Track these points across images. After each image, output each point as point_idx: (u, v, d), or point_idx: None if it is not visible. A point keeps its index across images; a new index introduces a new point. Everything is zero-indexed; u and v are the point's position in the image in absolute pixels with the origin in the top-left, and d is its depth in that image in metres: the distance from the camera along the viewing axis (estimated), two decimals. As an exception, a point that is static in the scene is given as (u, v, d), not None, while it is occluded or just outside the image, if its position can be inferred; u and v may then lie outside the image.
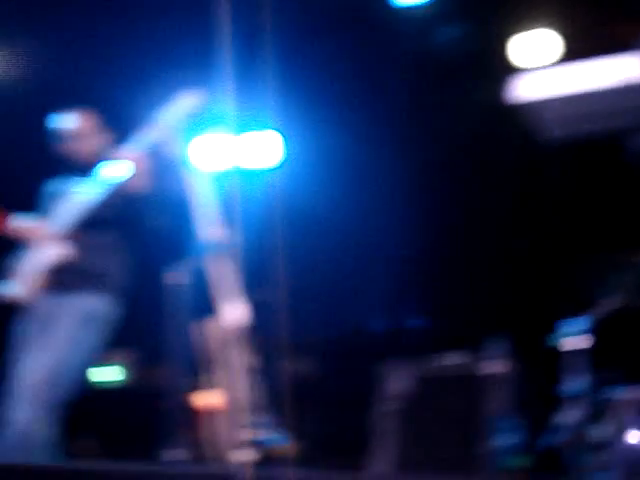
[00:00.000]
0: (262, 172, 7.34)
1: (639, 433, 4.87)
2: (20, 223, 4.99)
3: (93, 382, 7.24)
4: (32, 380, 4.74)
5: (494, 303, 6.79)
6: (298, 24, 6.64)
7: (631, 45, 4.21)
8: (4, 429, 4.79)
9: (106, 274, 4.98)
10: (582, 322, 5.40)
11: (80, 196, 4.96)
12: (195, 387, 5.71)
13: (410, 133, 7.14)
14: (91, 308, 4.90)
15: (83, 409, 5.52)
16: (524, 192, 6.90)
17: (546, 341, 5.60)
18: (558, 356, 5.46)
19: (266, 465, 4.60)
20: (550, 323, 5.69)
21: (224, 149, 7.15)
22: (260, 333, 5.67)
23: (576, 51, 5.93)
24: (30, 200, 5.23)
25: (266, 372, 5.33)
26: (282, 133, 7.32)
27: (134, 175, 4.86)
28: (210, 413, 4.61)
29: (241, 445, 4.48)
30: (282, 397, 4.91)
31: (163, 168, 5.14)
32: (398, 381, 5.73)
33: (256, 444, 4.58)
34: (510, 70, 5.70)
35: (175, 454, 4.87)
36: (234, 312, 4.89)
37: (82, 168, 5.07)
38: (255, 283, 6.28)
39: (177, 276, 5.03)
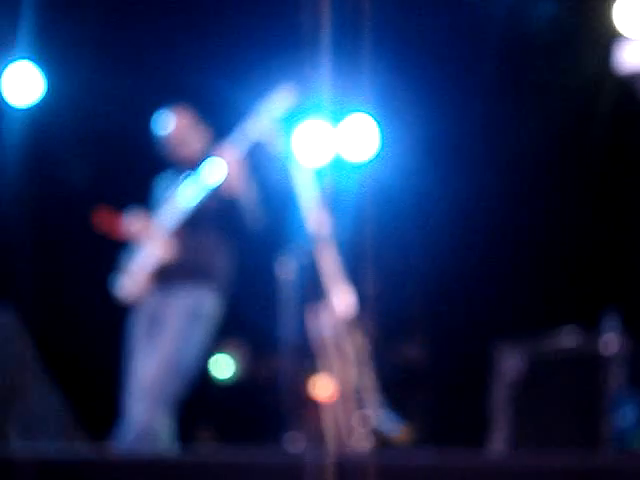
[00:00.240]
0: (361, 164, 7.31)
1: None
2: (131, 224, 5.07)
3: (207, 375, 7.31)
4: (147, 377, 4.81)
5: (606, 277, 6.66)
6: (392, 9, 6.58)
7: None
8: (123, 426, 4.87)
9: (211, 269, 5.02)
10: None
11: (184, 195, 5.02)
12: (310, 375, 5.74)
13: (509, 118, 7.04)
14: (198, 303, 4.94)
15: (199, 401, 5.59)
16: (624, 169, 6.76)
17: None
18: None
19: (383, 450, 4.60)
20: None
21: (323, 140, 7.15)
22: (369, 319, 5.68)
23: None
24: (139, 201, 5.30)
25: (377, 358, 5.33)
26: (379, 122, 7.27)
27: (228, 179, 4.88)
28: (326, 401, 4.63)
29: (358, 432, 4.49)
30: (394, 382, 4.91)
31: (267, 162, 5.16)
32: (513, 361, 5.66)
33: (372, 430, 4.58)
34: (614, 39, 5.55)
35: (293, 443, 4.89)
36: (343, 300, 4.89)
37: (186, 166, 5.12)
38: (363, 271, 6.29)
39: (287, 266, 5.05)
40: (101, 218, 5.14)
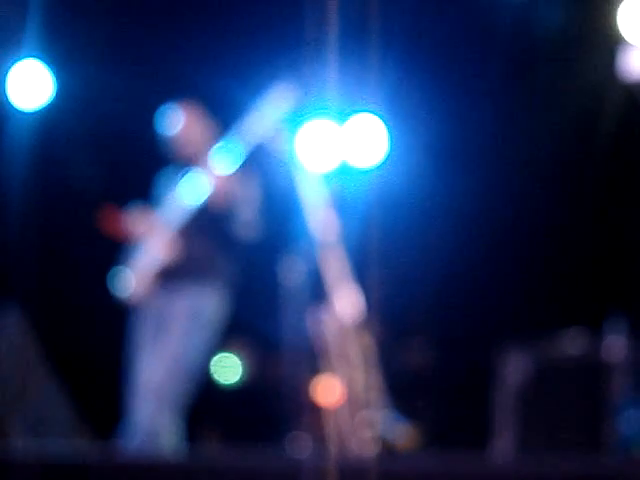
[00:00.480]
0: (368, 169, 7.30)
1: None
2: (134, 224, 5.06)
3: (212, 376, 7.32)
4: (153, 378, 4.81)
5: (611, 280, 6.65)
6: (402, 8, 6.57)
7: None
8: (129, 426, 4.87)
9: (215, 270, 5.01)
10: None
11: (186, 194, 5.00)
12: (313, 379, 5.73)
13: (517, 123, 7.03)
14: (203, 304, 4.93)
15: (205, 403, 5.59)
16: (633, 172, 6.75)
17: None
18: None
19: (386, 455, 4.60)
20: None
21: (330, 142, 7.14)
22: (375, 323, 5.68)
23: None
24: (142, 197, 5.29)
25: (382, 361, 5.33)
26: (388, 125, 7.27)
27: (215, 195, 4.88)
28: (330, 404, 4.63)
29: (362, 436, 4.49)
30: (399, 385, 4.92)
31: (271, 165, 5.16)
32: (517, 366, 5.66)
33: (377, 434, 4.59)
34: (619, 46, 5.55)
35: (296, 446, 4.90)
36: (350, 303, 4.89)
37: (190, 162, 5.10)
38: (367, 274, 6.28)
39: (291, 269, 5.06)
40: (105, 218, 5.13)
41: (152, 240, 5.02)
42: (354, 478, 3.12)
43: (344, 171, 6.84)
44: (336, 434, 4.50)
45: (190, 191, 4.98)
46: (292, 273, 5.22)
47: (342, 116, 7.13)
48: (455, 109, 6.97)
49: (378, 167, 7.11)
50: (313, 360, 5.26)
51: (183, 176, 5.10)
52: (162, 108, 5.24)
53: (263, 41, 6.78)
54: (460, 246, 7.05)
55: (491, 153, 6.96)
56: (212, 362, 6.99)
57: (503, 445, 5.57)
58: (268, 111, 4.95)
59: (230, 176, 4.91)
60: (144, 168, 5.60)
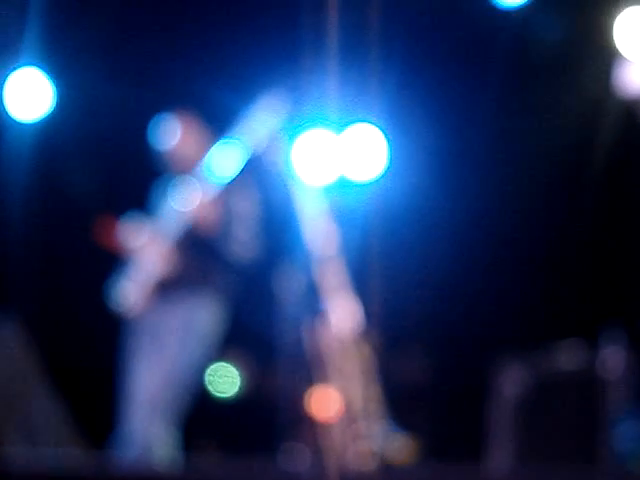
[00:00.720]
0: (367, 181, 7.30)
1: None
2: (129, 235, 5.06)
3: (207, 388, 7.30)
4: (148, 389, 4.80)
5: (610, 291, 6.65)
6: (401, 22, 6.58)
7: None
8: (123, 437, 4.86)
9: (211, 282, 5.00)
10: None
11: (180, 206, 5.00)
12: (310, 391, 5.72)
13: (516, 135, 7.04)
14: (198, 315, 4.93)
15: (201, 414, 5.58)
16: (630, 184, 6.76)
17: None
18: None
19: (383, 467, 4.59)
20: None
21: (329, 154, 7.11)
22: (372, 335, 5.67)
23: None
24: (139, 208, 5.29)
25: (380, 373, 5.32)
26: (387, 138, 7.27)
27: (198, 221, 4.88)
28: (326, 417, 4.62)
29: (360, 449, 4.49)
30: (396, 397, 4.91)
31: (267, 177, 5.15)
32: (514, 378, 5.66)
33: (374, 446, 4.58)
34: (615, 59, 5.56)
35: (293, 458, 4.89)
36: (349, 315, 4.89)
37: (185, 173, 5.08)
38: (364, 286, 6.28)
39: (288, 282, 5.05)
40: (101, 229, 5.12)
41: (148, 252, 5.01)
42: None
43: (342, 184, 6.83)
44: (333, 446, 4.49)
45: (182, 205, 4.98)
46: (289, 285, 5.21)
47: (340, 127, 7.13)
48: (454, 121, 6.98)
49: (377, 180, 7.11)
50: (310, 372, 5.25)
51: (178, 187, 5.09)
52: (158, 118, 5.23)
53: (261, 51, 6.79)
54: (458, 259, 7.05)
55: (490, 166, 6.97)
56: (209, 373, 6.98)
57: (500, 458, 5.56)
58: (261, 120, 4.94)
59: (211, 202, 4.90)
60: (142, 178, 5.60)
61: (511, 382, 5.72)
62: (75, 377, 6.55)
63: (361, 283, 5.96)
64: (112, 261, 5.20)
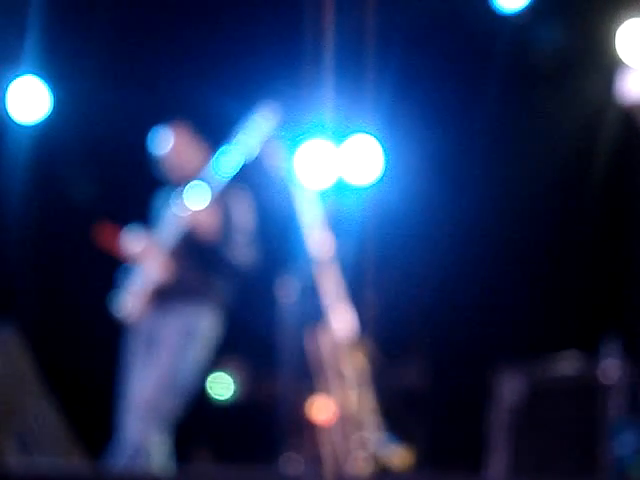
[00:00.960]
0: (364, 187, 7.31)
1: None
2: (130, 244, 5.07)
3: (204, 394, 7.29)
4: (143, 395, 4.80)
5: (607, 302, 6.65)
6: (398, 29, 6.59)
7: None
8: (119, 445, 4.85)
9: (209, 289, 5.01)
10: None
11: (177, 214, 5.01)
12: (309, 397, 5.72)
13: (511, 142, 7.05)
14: (195, 322, 4.94)
15: (195, 421, 5.57)
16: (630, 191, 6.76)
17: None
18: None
19: (382, 475, 4.58)
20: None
21: (326, 161, 7.14)
22: (369, 342, 5.66)
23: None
24: (143, 218, 5.31)
25: (377, 380, 5.31)
26: (383, 144, 7.28)
27: (196, 223, 4.89)
28: (324, 423, 4.62)
29: (356, 455, 4.48)
30: (393, 405, 4.90)
31: (268, 183, 5.16)
32: (512, 386, 5.65)
33: (371, 454, 4.57)
34: (617, 68, 5.56)
35: (290, 465, 4.88)
36: (344, 321, 4.89)
37: (183, 182, 5.10)
38: (362, 292, 6.27)
39: (288, 288, 5.05)
40: (101, 235, 5.14)
41: (147, 259, 5.02)
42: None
43: (339, 189, 6.84)
44: (330, 453, 4.48)
45: (181, 212, 4.99)
46: (288, 291, 5.21)
47: (338, 136, 7.15)
48: (452, 127, 6.99)
49: (373, 185, 7.12)
50: (308, 379, 5.25)
51: (176, 196, 5.11)
52: (153, 129, 5.24)
53: (259, 63, 6.80)
54: (455, 267, 7.05)
55: (488, 174, 6.97)
56: (206, 380, 6.97)
57: (498, 466, 5.55)
58: (258, 128, 4.96)
59: (210, 208, 4.91)
60: (141, 184, 5.61)
61: (509, 391, 5.71)
62: (74, 384, 6.54)
63: (357, 289, 5.96)
64: (111, 267, 5.22)
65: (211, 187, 4.99)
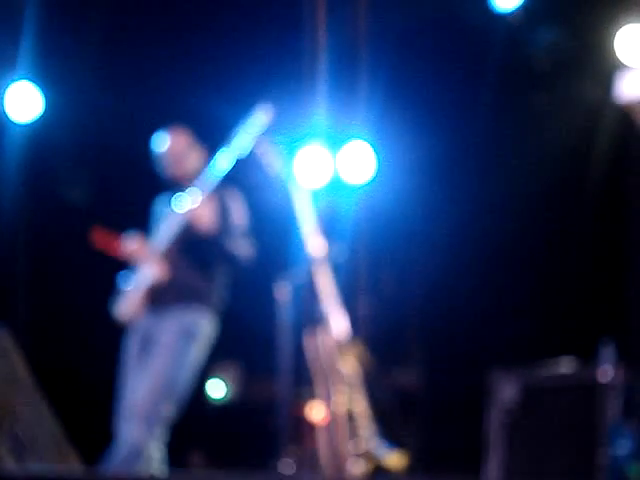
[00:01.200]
0: (357, 187, 7.32)
1: None
2: (128, 245, 5.08)
3: (200, 396, 7.27)
4: (138, 397, 4.78)
5: (603, 307, 6.65)
6: (391, 34, 6.61)
7: None
8: (114, 445, 4.83)
9: (204, 290, 5.02)
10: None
11: (175, 216, 5.03)
12: (305, 399, 5.71)
13: (507, 143, 7.05)
14: (191, 323, 4.94)
15: (190, 423, 5.55)
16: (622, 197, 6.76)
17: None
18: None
19: (377, 477, 4.57)
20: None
21: (321, 163, 7.16)
22: (363, 344, 5.65)
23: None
24: (136, 218, 5.30)
25: (372, 383, 5.30)
26: (375, 147, 7.30)
27: (194, 218, 4.89)
28: (320, 425, 4.60)
29: (352, 457, 4.46)
30: (389, 408, 4.88)
31: (266, 183, 5.17)
32: (508, 389, 5.64)
33: (367, 456, 4.55)
34: (615, 68, 5.55)
35: (286, 467, 4.86)
36: (338, 323, 4.88)
37: (181, 185, 5.12)
38: (356, 295, 6.26)
39: (285, 288, 5.04)
40: (98, 237, 5.14)
41: (143, 260, 5.02)
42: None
43: (334, 189, 6.86)
44: (328, 455, 4.47)
45: (177, 214, 5.01)
46: (285, 292, 5.20)
47: (332, 138, 7.16)
48: (447, 127, 6.99)
49: (367, 185, 7.13)
50: (306, 380, 5.23)
51: (174, 198, 5.12)
52: (153, 129, 5.26)
53: (255, 68, 6.82)
54: (451, 270, 7.04)
55: (484, 176, 6.97)
56: (201, 382, 6.95)
57: (494, 469, 5.54)
58: (253, 130, 4.97)
59: (206, 200, 4.92)
60: (140, 187, 5.61)
61: (506, 393, 5.70)
62: (70, 387, 6.52)
63: (351, 290, 5.96)
64: (109, 266, 5.21)
65: (208, 184, 5.01)
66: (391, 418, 5.60)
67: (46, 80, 6.65)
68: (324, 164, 7.17)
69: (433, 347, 7.27)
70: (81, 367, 6.64)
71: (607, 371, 5.48)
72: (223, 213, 5.03)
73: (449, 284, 7.07)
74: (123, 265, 5.16)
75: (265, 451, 5.66)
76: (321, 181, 6.82)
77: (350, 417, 4.58)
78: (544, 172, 6.86)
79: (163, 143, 5.15)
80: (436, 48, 6.82)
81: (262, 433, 6.08)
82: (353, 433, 4.54)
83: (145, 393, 4.78)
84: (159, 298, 4.99)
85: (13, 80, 6.49)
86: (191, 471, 6.77)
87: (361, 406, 4.70)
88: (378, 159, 7.32)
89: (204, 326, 4.98)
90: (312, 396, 5.39)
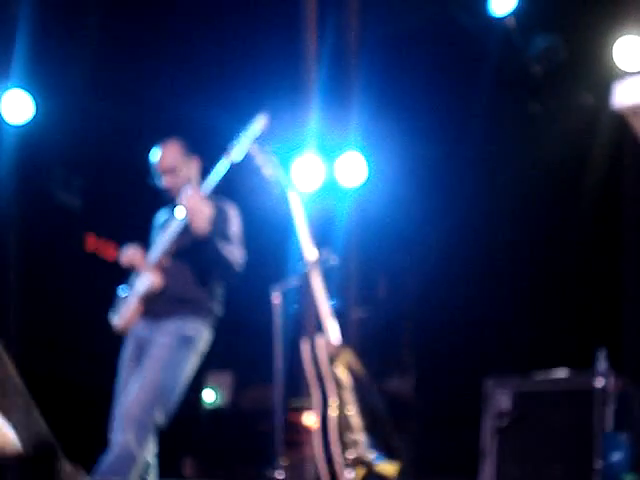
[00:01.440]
0: (351, 192, 7.34)
1: None
2: (124, 254, 5.09)
3: (193, 403, 7.26)
4: (130, 403, 4.77)
5: (598, 317, 6.66)
6: (385, 42, 6.63)
7: None
8: (107, 451, 4.81)
9: (198, 298, 5.02)
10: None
11: (173, 222, 5.05)
12: (299, 405, 5.69)
13: (501, 150, 7.07)
14: (184, 331, 4.93)
15: (183, 430, 5.53)
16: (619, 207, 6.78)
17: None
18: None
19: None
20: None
21: (315, 170, 7.18)
22: (355, 350, 5.64)
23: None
24: (141, 232, 5.32)
25: (365, 390, 5.28)
26: (368, 152, 7.32)
27: (191, 218, 4.90)
28: (314, 431, 4.58)
29: (346, 465, 4.44)
30: (382, 414, 4.87)
31: (259, 188, 5.17)
32: (503, 398, 5.64)
33: (360, 463, 4.54)
34: (611, 75, 5.58)
35: (280, 474, 4.84)
36: (333, 329, 4.87)
37: (177, 197, 5.13)
38: (348, 302, 6.25)
39: (280, 294, 5.03)
40: (93, 244, 5.15)
41: (139, 269, 5.03)
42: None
43: (327, 196, 6.88)
44: (321, 462, 4.45)
45: (175, 220, 5.02)
46: (281, 296, 5.18)
47: (326, 147, 7.19)
48: (442, 133, 7.02)
49: (358, 191, 7.16)
50: (299, 387, 5.22)
51: (170, 210, 5.13)
52: (151, 147, 5.26)
53: (250, 80, 6.84)
54: (445, 278, 7.06)
55: (477, 183, 6.99)
56: (194, 389, 6.94)
57: (488, 477, 5.54)
58: (248, 139, 4.99)
59: (204, 203, 4.93)
60: (134, 193, 5.61)
61: (499, 400, 5.70)
62: (62, 395, 6.50)
63: (344, 297, 5.95)
64: (105, 275, 5.21)
65: (205, 189, 5.02)
66: (384, 425, 5.58)
67: (39, 86, 6.67)
68: (318, 171, 7.19)
69: (426, 354, 7.27)
70: (75, 374, 6.62)
71: (601, 380, 5.48)
72: (219, 218, 5.04)
73: (443, 292, 7.08)
74: (117, 271, 5.16)
75: (259, 459, 5.64)
76: (314, 187, 6.84)
77: (344, 424, 4.57)
78: (539, 179, 6.88)
79: (156, 156, 5.17)
80: (430, 55, 6.85)
81: (256, 440, 6.06)
82: (347, 440, 4.53)
83: (135, 397, 4.77)
84: (154, 308, 5.00)
85: (7, 87, 6.52)
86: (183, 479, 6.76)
87: (354, 413, 4.69)
88: (371, 166, 7.34)
89: (197, 334, 4.98)
90: (306, 403, 5.37)
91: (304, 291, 5.07)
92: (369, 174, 7.34)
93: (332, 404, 4.58)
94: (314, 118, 6.93)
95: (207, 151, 5.22)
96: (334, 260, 4.93)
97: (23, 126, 6.59)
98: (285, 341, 5.00)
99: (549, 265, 6.93)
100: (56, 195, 7.16)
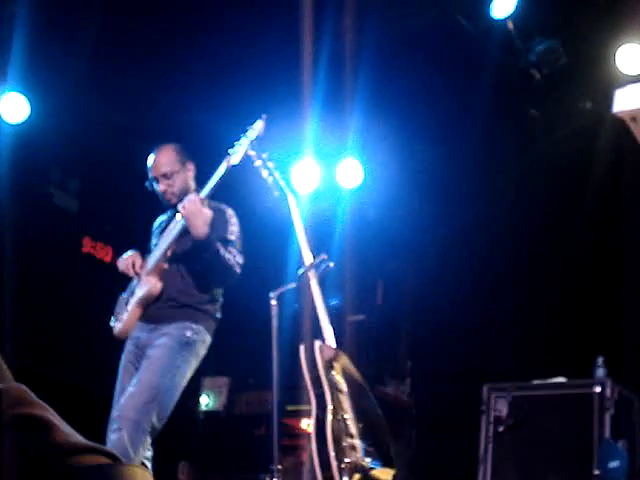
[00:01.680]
0: (347, 196, 7.34)
1: None
2: (122, 261, 5.08)
3: (190, 407, 7.24)
4: (126, 403, 4.76)
5: (598, 323, 6.65)
6: (382, 46, 6.63)
7: None
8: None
9: (197, 304, 5.00)
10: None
11: (169, 231, 5.04)
12: (296, 410, 5.68)
13: (500, 155, 7.06)
14: (185, 335, 4.92)
15: (180, 434, 5.51)
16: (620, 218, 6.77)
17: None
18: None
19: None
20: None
21: (312, 174, 7.18)
22: (351, 356, 5.63)
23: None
24: (137, 234, 5.30)
25: (362, 395, 5.27)
26: (365, 157, 7.32)
27: (190, 222, 4.89)
28: (311, 436, 4.56)
29: (342, 470, 4.43)
30: (379, 420, 4.85)
31: (259, 192, 5.16)
32: (501, 404, 5.62)
33: (356, 469, 4.53)
34: (612, 80, 5.57)
35: (276, 478, 4.82)
36: (330, 334, 4.87)
37: (173, 201, 5.12)
38: (347, 305, 6.23)
39: (279, 299, 5.01)
40: (91, 249, 5.14)
41: (138, 275, 5.03)
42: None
43: (323, 200, 6.88)
44: (318, 467, 4.43)
45: (172, 226, 5.01)
46: (279, 301, 5.17)
47: (324, 151, 7.18)
48: (440, 138, 7.01)
49: (355, 195, 7.15)
50: (297, 391, 5.20)
51: (168, 215, 5.12)
52: (148, 152, 5.25)
53: (250, 87, 6.84)
54: (443, 284, 7.04)
55: (475, 189, 6.98)
56: (192, 393, 6.92)
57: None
58: (246, 143, 4.99)
59: (202, 205, 4.93)
60: (131, 195, 5.59)
61: (498, 409, 5.69)
62: (62, 400, 6.46)
63: (340, 304, 5.92)
64: (101, 277, 5.20)
65: (204, 193, 5.02)
66: (380, 430, 5.57)
67: (35, 88, 6.67)
68: (316, 175, 7.20)
69: (423, 359, 7.26)
70: (73, 377, 6.60)
71: (599, 387, 5.47)
72: (218, 222, 5.03)
73: (441, 296, 7.07)
74: (113, 273, 5.15)
75: (255, 463, 5.63)
76: (312, 191, 6.84)
77: (340, 429, 4.55)
78: (537, 185, 6.87)
79: (151, 161, 5.16)
80: (429, 59, 6.85)
81: (252, 445, 6.04)
82: (343, 445, 4.51)
83: (131, 400, 4.75)
84: (154, 312, 4.99)
85: (3, 89, 6.53)
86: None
87: (351, 418, 4.67)
88: (369, 170, 7.34)
89: (198, 340, 4.97)
90: (303, 407, 5.36)
91: (302, 295, 5.06)
92: (366, 178, 7.34)
93: (329, 409, 4.56)
94: (312, 123, 6.93)
95: (206, 155, 5.21)
96: (331, 264, 4.92)
97: (19, 125, 6.58)
98: (285, 344, 4.99)
99: (548, 271, 6.92)
100: (53, 197, 7.14)
